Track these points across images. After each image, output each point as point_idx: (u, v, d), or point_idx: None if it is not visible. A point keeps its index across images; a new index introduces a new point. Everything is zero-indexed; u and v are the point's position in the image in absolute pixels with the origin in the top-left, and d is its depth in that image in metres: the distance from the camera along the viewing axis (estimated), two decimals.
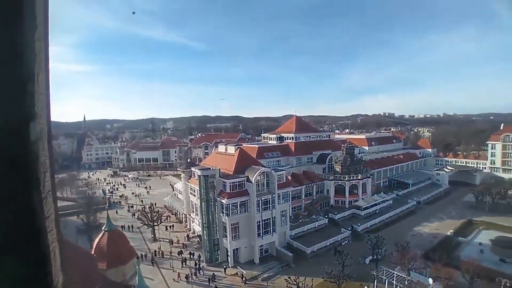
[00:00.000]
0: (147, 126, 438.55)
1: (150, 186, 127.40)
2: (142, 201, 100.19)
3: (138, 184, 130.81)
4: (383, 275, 49.05)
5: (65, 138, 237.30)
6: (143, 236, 72.38)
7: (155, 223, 70.19)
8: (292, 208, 74.28)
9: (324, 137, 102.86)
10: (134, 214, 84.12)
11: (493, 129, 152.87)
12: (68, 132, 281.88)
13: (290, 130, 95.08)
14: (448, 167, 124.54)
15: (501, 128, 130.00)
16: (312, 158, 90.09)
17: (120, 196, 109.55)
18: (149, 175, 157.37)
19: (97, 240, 26.40)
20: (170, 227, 74.95)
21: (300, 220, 71.46)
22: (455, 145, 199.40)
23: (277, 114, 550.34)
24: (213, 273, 53.21)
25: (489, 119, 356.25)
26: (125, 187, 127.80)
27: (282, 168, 71.68)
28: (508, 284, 44.43)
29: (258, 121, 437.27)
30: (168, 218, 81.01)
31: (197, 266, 55.59)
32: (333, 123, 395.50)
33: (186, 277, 51.38)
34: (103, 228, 26.80)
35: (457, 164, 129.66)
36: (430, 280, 47.58)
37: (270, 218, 58.65)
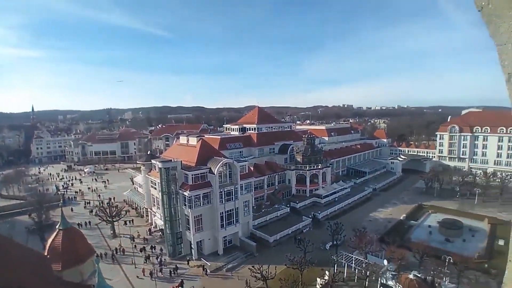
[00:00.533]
0: (104, 117, 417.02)
1: (108, 180, 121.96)
2: (99, 196, 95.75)
3: (95, 179, 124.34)
4: (342, 259, 51.65)
5: (10, 131, 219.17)
6: (102, 232, 69.47)
7: (114, 219, 67.61)
8: (255, 198, 75.37)
9: (286, 128, 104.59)
10: (91, 211, 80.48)
11: (441, 121, 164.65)
12: (14, 124, 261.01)
13: (253, 121, 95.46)
14: (401, 156, 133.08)
15: (448, 120, 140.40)
16: (274, 148, 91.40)
17: (75, 192, 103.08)
18: (106, 169, 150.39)
19: (50, 240, 24.76)
20: (130, 221, 72.94)
21: (263, 210, 72.57)
22: (408, 135, 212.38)
23: (240, 105, 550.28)
24: (176, 265, 52.74)
25: (438, 112, 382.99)
26: (81, 182, 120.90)
27: (244, 159, 72.08)
28: (451, 261, 48.81)
29: (221, 111, 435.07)
30: (128, 212, 78.40)
31: (160, 260, 54.48)
32: (295, 114, 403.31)
33: (150, 273, 50.02)
34: (57, 226, 25.21)
35: (409, 153, 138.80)
36: (385, 262, 50.89)
37: (233, 209, 58.91)
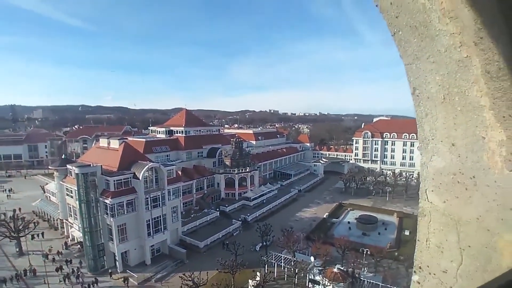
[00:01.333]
0: (6, 115, 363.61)
1: (11, 189, 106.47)
2: (3, 213, 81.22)
3: None
4: (272, 259, 53.47)
5: None
6: (4, 250, 60.18)
7: (21, 234, 59.20)
8: (183, 204, 73.46)
9: (214, 131, 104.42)
10: None
11: (356, 127, 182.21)
12: None
13: (180, 123, 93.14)
14: (323, 159, 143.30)
15: (362, 126, 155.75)
16: (202, 152, 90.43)
17: None
18: (9, 176, 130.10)
19: None
20: (39, 235, 64.40)
21: (192, 215, 71.22)
22: (328, 140, 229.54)
23: (166, 106, 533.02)
24: (95, 278, 48.49)
25: (354, 119, 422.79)
26: None
27: (172, 163, 69.81)
28: (368, 252, 54.44)
29: (146, 113, 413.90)
30: (37, 225, 69.06)
31: (77, 276, 49.50)
32: (223, 118, 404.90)
33: None
34: None
35: (330, 156, 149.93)
36: (312, 258, 54.18)
37: (160, 216, 56.55)
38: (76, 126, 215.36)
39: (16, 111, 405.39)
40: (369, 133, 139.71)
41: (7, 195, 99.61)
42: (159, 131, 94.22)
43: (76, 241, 61.59)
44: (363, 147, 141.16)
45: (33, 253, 57.49)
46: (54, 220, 71.57)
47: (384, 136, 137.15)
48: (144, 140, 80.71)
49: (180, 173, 70.73)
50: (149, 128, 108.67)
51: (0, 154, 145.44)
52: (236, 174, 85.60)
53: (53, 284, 48.41)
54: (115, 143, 61.25)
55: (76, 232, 60.63)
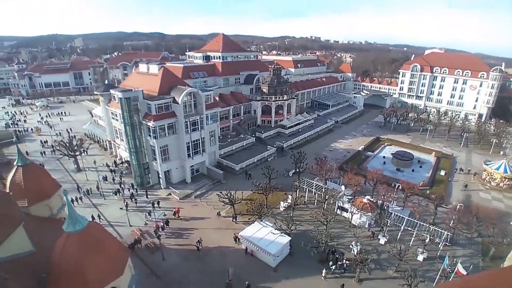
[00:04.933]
0: (50, 45, 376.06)
1: (64, 113, 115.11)
2: (59, 133, 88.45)
3: (49, 114, 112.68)
4: (304, 185, 54.98)
5: None
6: (66, 167, 67.05)
7: (77, 153, 65.26)
8: (220, 129, 75.55)
9: (252, 57, 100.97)
10: (51, 145, 75.46)
11: (405, 59, 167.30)
12: None
13: (217, 49, 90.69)
14: (364, 91, 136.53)
15: (412, 58, 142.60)
16: (239, 78, 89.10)
17: (31, 129, 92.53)
18: (61, 102, 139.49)
19: (10, 177, 23.55)
20: (85, 151, 69.12)
21: (229, 140, 73.40)
22: (372, 71, 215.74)
23: (202, 31, 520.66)
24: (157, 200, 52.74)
25: (403, 50, 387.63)
26: (40, 117, 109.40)
27: (209, 88, 69.85)
28: (400, 187, 54.23)
29: (182, 39, 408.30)
30: (89, 145, 75.31)
31: (132, 193, 54.39)
32: (261, 44, 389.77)
33: (127, 205, 49.19)
34: (14, 163, 23.80)
35: (372, 89, 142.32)
36: (343, 187, 55.16)
37: (199, 139, 58.71)
38: (115, 53, 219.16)
39: (58, 40, 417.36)
40: (418, 66, 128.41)
41: (60, 118, 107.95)
42: (196, 57, 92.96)
43: (123, 160, 66.90)
44: (410, 81, 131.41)
45: (88, 169, 63.96)
46: (103, 141, 77.33)
47: (434, 71, 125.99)
48: (182, 65, 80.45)
49: (217, 99, 71.17)
50: (186, 53, 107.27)
51: (51, 82, 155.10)
52: (273, 101, 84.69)
53: (108, 198, 54.72)
54: (154, 69, 61.59)
55: (123, 152, 65.37)
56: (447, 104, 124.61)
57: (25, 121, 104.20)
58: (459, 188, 62.23)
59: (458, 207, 46.68)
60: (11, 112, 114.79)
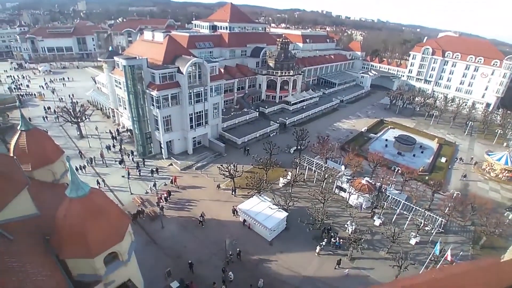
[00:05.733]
0: (53, 7, 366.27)
1: (68, 78, 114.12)
2: (61, 98, 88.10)
3: (52, 80, 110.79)
4: (304, 163, 55.36)
5: None
6: (69, 134, 67.30)
7: (79, 119, 65.34)
8: (224, 101, 75.25)
9: (260, 30, 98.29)
10: (54, 111, 75.58)
11: (417, 41, 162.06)
12: None
13: (224, 18, 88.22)
14: (372, 71, 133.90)
15: (424, 41, 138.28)
16: (246, 51, 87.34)
17: (33, 95, 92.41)
18: (64, 67, 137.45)
19: (13, 141, 23.68)
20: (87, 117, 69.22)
21: (232, 113, 73.14)
22: (382, 51, 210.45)
23: (210, 0, 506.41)
24: (156, 168, 53.93)
25: (416, 31, 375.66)
26: (44, 82, 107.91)
27: (215, 59, 68.63)
28: (399, 171, 54.51)
29: (188, 6, 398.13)
30: (91, 112, 75.41)
31: (137, 164, 54.65)
32: (270, 16, 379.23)
33: (128, 173, 50.11)
34: (18, 128, 23.87)
35: (380, 69, 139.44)
36: (343, 167, 55.60)
37: (202, 111, 58.50)
38: (120, 19, 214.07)
39: (61, 2, 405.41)
40: (430, 49, 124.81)
41: (63, 84, 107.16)
42: (203, 26, 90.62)
43: (126, 129, 67.10)
44: (420, 64, 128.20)
45: (91, 136, 64.30)
46: (106, 109, 77.22)
47: (445, 55, 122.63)
48: (187, 34, 78.62)
49: (222, 70, 70.12)
50: (192, 22, 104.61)
51: (53, 47, 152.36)
52: (278, 76, 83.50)
53: (111, 166, 55.46)
54: (159, 36, 60.28)
55: (125, 120, 65.41)
56: (456, 90, 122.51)
57: (27, 86, 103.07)
58: (458, 176, 62.53)
59: (455, 195, 47.12)
60: (13, 77, 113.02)
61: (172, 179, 50.37)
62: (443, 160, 67.85)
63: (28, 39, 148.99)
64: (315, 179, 53.68)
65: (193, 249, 36.79)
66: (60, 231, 16.42)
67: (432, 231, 42.20)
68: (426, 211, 44.24)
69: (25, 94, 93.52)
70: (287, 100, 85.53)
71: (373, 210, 46.29)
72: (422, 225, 42.21)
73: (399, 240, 38.50)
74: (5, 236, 14.64)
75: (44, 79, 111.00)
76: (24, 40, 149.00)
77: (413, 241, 41.30)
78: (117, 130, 68.23)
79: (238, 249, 36.12)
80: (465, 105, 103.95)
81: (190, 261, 33.98)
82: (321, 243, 38.58)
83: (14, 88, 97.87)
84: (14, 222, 16.29)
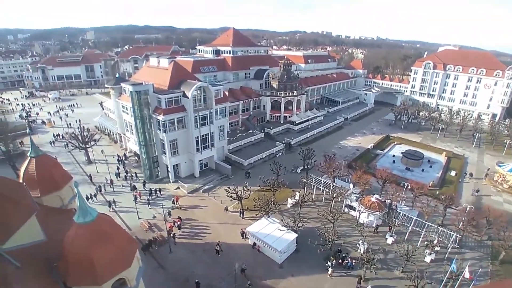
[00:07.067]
0: (62, 38, 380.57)
1: (76, 104, 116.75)
2: (69, 124, 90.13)
3: (61, 107, 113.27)
4: (312, 182, 54.80)
5: None
6: (76, 159, 68.16)
7: (87, 145, 66.16)
8: (229, 123, 75.69)
9: (262, 52, 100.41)
10: (62, 136, 76.95)
11: (418, 56, 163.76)
12: None
13: (227, 43, 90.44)
14: (375, 88, 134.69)
15: (425, 55, 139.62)
16: (249, 73, 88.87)
17: (42, 122, 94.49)
18: (73, 94, 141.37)
19: (23, 167, 23.93)
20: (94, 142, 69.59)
21: (238, 135, 73.45)
22: (383, 68, 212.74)
23: (213, 25, 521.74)
24: (158, 189, 54.42)
25: (415, 47, 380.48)
26: (56, 109, 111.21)
27: (219, 83, 69.79)
28: (409, 187, 53.74)
29: (192, 32, 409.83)
30: (99, 137, 76.42)
31: (150, 191, 54.03)
32: (271, 39, 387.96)
33: (135, 198, 50.80)
34: (28, 154, 24.18)
35: (383, 86, 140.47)
36: (351, 185, 54.82)
37: (208, 134, 58.93)
38: (126, 47, 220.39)
39: (70, 33, 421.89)
40: (431, 64, 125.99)
41: (72, 110, 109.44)
42: (207, 51, 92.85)
43: (133, 153, 67.54)
44: (422, 78, 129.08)
45: (99, 162, 64.77)
46: (113, 134, 78.19)
47: (447, 69, 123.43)
48: (192, 59, 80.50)
49: (227, 93, 71.19)
50: (196, 47, 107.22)
51: (63, 75, 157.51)
52: (282, 97, 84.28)
53: (120, 193, 55.27)
54: (164, 62, 61.80)
55: (133, 145, 65.94)
56: (460, 103, 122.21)
57: (37, 113, 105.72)
58: (469, 189, 61.23)
59: (468, 209, 45.97)
60: (22, 104, 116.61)
61: (174, 199, 50.52)
62: (453, 173, 66.75)
63: (39, 68, 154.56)
64: (323, 198, 52.96)
65: (201, 274, 35.92)
66: (67, 257, 16.20)
67: (447, 248, 40.91)
68: (439, 227, 43.11)
69: (35, 120, 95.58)
70: (292, 120, 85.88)
71: (376, 229, 45.32)
72: (436, 241, 41.02)
73: (414, 258, 37.25)
74: (13, 263, 14.48)
75: (56, 106, 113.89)
76: (35, 69, 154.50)
77: (428, 259, 40.00)
78: (124, 154, 68.71)
79: (249, 282, 34.76)
80: (471, 117, 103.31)
81: (197, 280, 33.61)
82: (327, 263, 37.53)
83: (25, 116, 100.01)
84: (22, 249, 16.15)
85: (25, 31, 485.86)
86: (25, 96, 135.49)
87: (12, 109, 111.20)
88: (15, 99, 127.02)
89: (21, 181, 22.84)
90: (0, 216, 16.05)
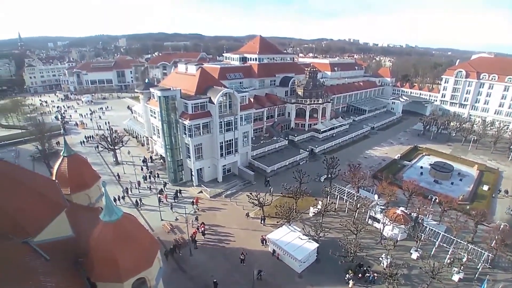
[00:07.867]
0: (97, 45, 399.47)
1: (107, 108, 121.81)
2: (99, 126, 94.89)
3: (93, 110, 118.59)
4: (335, 191, 53.84)
5: None
6: (105, 160, 70.94)
7: (116, 146, 68.68)
8: (254, 130, 75.98)
9: (288, 59, 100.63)
10: (92, 137, 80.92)
11: (449, 64, 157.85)
12: (1, 51, 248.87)
13: (254, 50, 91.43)
14: (403, 96, 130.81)
15: (457, 63, 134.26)
16: (275, 80, 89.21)
17: (75, 124, 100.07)
18: (104, 98, 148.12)
19: (56, 166, 25.36)
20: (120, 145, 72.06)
21: (262, 142, 73.64)
22: (412, 76, 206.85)
23: (240, 33, 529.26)
24: (180, 190, 55.71)
25: (447, 54, 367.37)
26: (90, 112, 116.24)
27: (245, 90, 70.54)
28: (437, 200, 51.38)
29: (219, 40, 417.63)
30: (128, 140, 79.08)
31: (176, 193, 55.32)
32: (298, 46, 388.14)
33: (159, 199, 51.74)
34: (61, 153, 25.56)
35: (412, 94, 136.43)
36: (376, 196, 53.24)
37: (232, 139, 59.52)
38: (156, 53, 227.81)
39: (104, 40, 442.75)
40: (464, 72, 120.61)
41: (103, 112, 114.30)
42: (233, 58, 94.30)
43: (159, 156, 69.30)
44: (453, 87, 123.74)
45: (126, 163, 66.97)
46: (141, 137, 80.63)
47: (481, 77, 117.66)
48: (219, 66, 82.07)
49: (252, 100, 71.75)
50: (223, 54, 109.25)
51: (96, 79, 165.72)
52: (307, 105, 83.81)
53: (147, 195, 56.79)
54: (192, 69, 63.44)
55: (159, 148, 67.64)
56: (495, 113, 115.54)
57: (70, 116, 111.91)
58: (504, 206, 57.84)
59: (502, 226, 43.34)
60: (57, 107, 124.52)
61: (193, 201, 51.55)
62: (485, 188, 63.22)
63: (75, 73, 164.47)
64: (346, 208, 51.85)
65: (220, 279, 35.92)
66: (92, 253, 16.81)
67: (478, 267, 38.77)
68: (469, 244, 40.94)
69: (68, 122, 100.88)
70: (317, 128, 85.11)
71: (396, 242, 43.56)
72: (466, 259, 38.99)
73: (440, 275, 35.42)
74: (43, 256, 15.19)
75: (90, 109, 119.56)
76: (71, 74, 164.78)
77: (456, 277, 38.00)
78: (151, 157, 70.67)
79: (257, 270, 35.11)
80: (507, 128, 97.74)
81: (215, 280, 34.20)
82: (346, 276, 36.54)
83: (60, 118, 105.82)
84: (51, 243, 16.92)
85: (64, 38, 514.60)
86: (61, 99, 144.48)
87: (49, 110, 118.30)
88: (52, 101, 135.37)
89: (54, 178, 24.08)
90: (34, 210, 17.01)
